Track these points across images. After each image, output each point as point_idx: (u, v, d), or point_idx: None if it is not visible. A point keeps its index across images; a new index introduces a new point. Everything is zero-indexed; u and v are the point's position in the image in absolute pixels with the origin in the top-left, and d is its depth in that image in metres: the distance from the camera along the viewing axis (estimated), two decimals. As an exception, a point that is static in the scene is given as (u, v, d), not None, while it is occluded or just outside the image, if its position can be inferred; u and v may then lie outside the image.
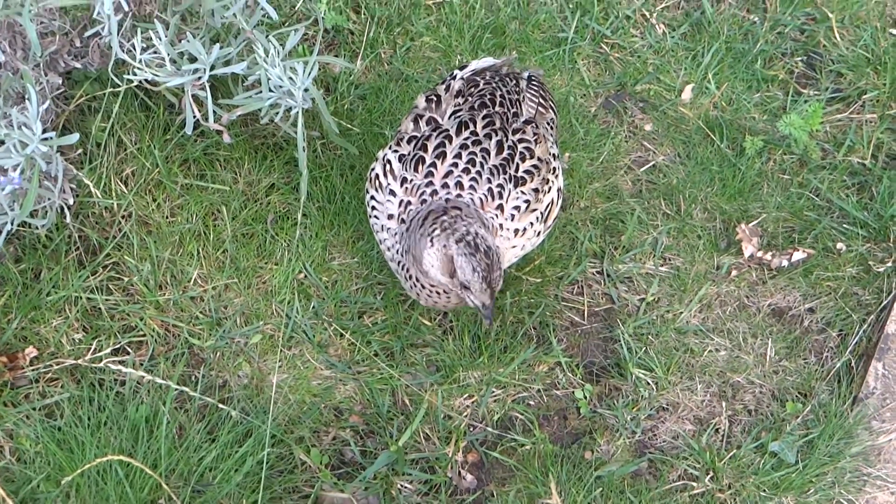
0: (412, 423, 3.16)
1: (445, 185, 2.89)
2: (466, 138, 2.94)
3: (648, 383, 3.29)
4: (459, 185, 2.89)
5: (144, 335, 3.24)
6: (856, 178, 3.72)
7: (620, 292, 3.45)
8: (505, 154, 2.95)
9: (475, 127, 2.97)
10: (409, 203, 2.91)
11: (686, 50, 3.97)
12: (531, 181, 2.97)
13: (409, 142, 2.99)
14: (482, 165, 2.92)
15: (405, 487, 3.11)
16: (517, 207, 2.94)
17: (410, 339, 3.31)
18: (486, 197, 2.90)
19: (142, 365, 3.16)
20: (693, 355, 3.36)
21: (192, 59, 3.14)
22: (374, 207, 3.01)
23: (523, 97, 3.18)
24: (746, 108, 3.85)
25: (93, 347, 3.18)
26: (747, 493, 3.10)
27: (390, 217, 2.95)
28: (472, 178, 2.90)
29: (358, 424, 3.19)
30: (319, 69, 3.75)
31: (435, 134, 2.96)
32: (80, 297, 3.25)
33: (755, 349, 3.39)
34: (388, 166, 2.97)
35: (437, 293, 2.92)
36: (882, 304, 3.45)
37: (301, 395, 3.20)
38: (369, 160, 3.56)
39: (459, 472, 3.15)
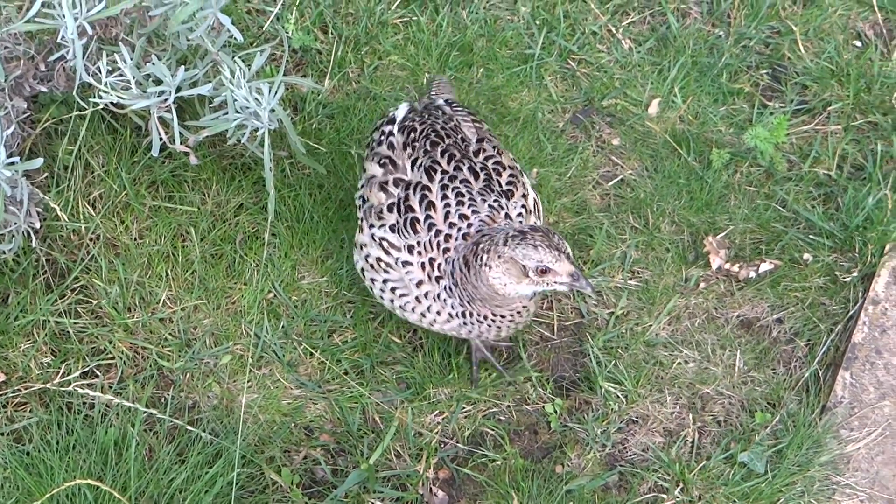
0: (383, 441, 3.16)
1: (452, 225, 2.90)
2: (441, 179, 2.96)
3: (618, 396, 3.30)
4: (463, 217, 2.91)
5: (113, 358, 3.24)
6: (821, 189, 3.75)
7: (590, 306, 3.47)
8: (482, 176, 2.99)
9: (442, 166, 3.00)
10: (433, 260, 2.91)
11: (652, 64, 4.00)
12: (517, 190, 3.02)
13: (389, 211, 2.98)
14: (470, 193, 2.95)
15: (376, 505, 3.12)
16: (520, 214, 2.99)
17: (380, 356, 3.32)
18: (491, 214, 2.93)
19: (111, 388, 3.16)
20: (662, 368, 3.37)
21: (158, 82, 3.14)
22: (393, 289, 2.99)
23: (457, 122, 3.20)
24: (713, 122, 3.88)
25: (61, 371, 3.18)
26: (717, 503, 3.11)
27: (420, 283, 2.93)
28: (471, 207, 2.92)
29: (329, 443, 3.20)
30: (287, 89, 3.77)
31: (411, 191, 2.97)
32: (49, 321, 3.25)
33: (724, 360, 3.40)
34: (384, 243, 2.96)
35: (518, 312, 2.91)
36: (849, 314, 3.47)
37: (271, 415, 3.21)
38: (338, 179, 3.58)
39: (431, 488, 3.15)
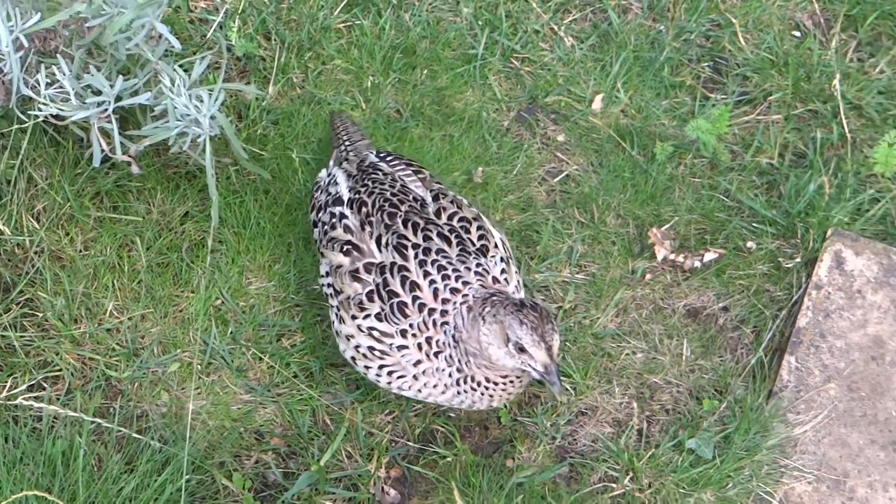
0: (333, 442, 3.18)
1: (445, 300, 2.84)
2: (416, 255, 2.89)
3: (567, 389, 3.33)
4: (454, 290, 2.84)
5: (61, 370, 3.24)
6: (764, 178, 3.79)
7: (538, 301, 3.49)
8: (454, 240, 2.95)
9: (411, 239, 2.93)
10: (430, 338, 2.85)
11: (595, 61, 4.03)
12: (490, 244, 3.00)
13: (370, 300, 2.90)
14: (452, 264, 2.89)
15: (329, 506, 3.13)
16: (503, 270, 2.97)
17: (330, 358, 3.33)
18: (482, 282, 2.88)
19: (58, 399, 3.16)
20: (610, 359, 3.40)
21: (98, 93, 3.16)
22: (390, 373, 2.92)
23: (402, 181, 3.17)
24: (656, 115, 3.92)
25: (8, 385, 3.18)
26: (667, 490, 3.14)
27: (418, 363, 2.88)
28: (458, 278, 2.86)
29: (279, 446, 3.21)
30: (231, 97, 3.78)
31: (388, 274, 2.89)
32: (-6, 335, 3.25)
33: (671, 350, 3.44)
34: (374, 333, 2.90)
35: (511, 381, 2.85)
36: (793, 300, 3.51)
37: (221, 421, 3.21)
38: (283, 184, 3.59)
39: (382, 487, 3.17)
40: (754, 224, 3.66)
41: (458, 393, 2.88)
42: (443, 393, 2.91)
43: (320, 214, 3.18)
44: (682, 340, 3.46)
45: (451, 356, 2.83)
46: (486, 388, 2.85)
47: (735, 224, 3.65)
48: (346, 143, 3.41)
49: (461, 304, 2.81)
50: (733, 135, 3.90)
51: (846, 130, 3.84)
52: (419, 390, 2.92)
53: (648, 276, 3.58)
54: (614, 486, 3.17)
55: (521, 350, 2.69)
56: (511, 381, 2.86)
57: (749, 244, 3.62)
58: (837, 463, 3.22)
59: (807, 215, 3.62)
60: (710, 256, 3.59)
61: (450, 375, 2.85)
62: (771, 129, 3.89)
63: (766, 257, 3.60)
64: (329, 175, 3.28)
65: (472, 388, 2.85)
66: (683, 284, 3.56)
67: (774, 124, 3.91)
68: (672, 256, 3.59)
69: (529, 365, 2.71)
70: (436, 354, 2.85)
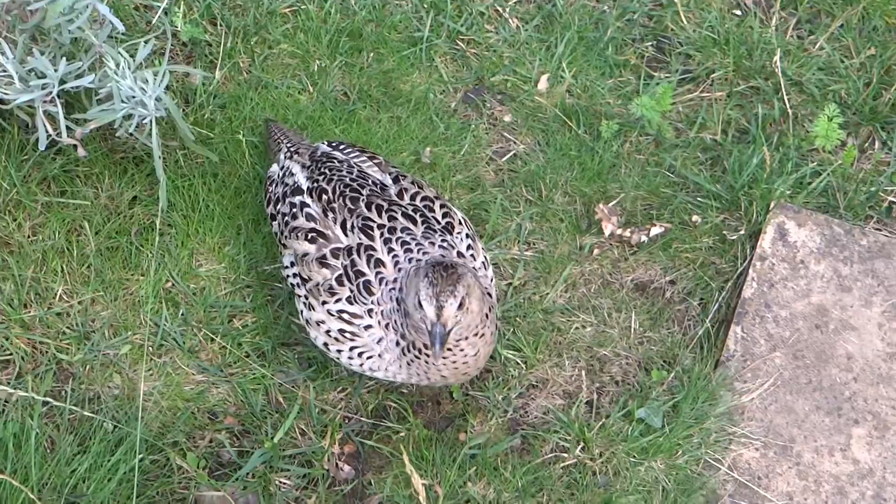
0: (287, 420, 3.19)
1: (401, 270, 2.85)
2: (382, 234, 2.90)
3: (518, 363, 3.36)
4: (416, 262, 2.85)
5: (11, 354, 3.23)
6: (708, 154, 3.84)
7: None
8: (418, 219, 2.96)
9: (377, 220, 2.94)
10: (384, 310, 2.85)
11: (540, 41, 4.07)
12: (454, 220, 3.02)
13: (340, 283, 2.89)
14: (413, 240, 2.89)
15: (283, 483, 3.14)
16: (469, 246, 2.98)
17: (281, 338, 3.34)
18: (444, 255, 2.89)
19: (9, 383, 3.15)
20: (560, 333, 3.44)
21: (42, 76, 3.15)
22: (360, 354, 2.92)
23: (358, 166, 3.18)
24: (601, 94, 3.96)
25: (-43, 370, 3.17)
26: (618, 459, 3.19)
27: (381, 340, 2.89)
28: (421, 252, 2.86)
29: (233, 426, 3.22)
30: (177, 82, 3.78)
31: (355, 255, 2.89)
32: (-57, 321, 3.23)
33: (620, 323, 3.48)
34: (345, 315, 2.90)
35: (448, 349, 2.79)
36: (738, 271, 3.57)
37: (173, 401, 3.22)
38: (231, 167, 3.60)
39: (337, 463, 3.18)
40: (699, 198, 3.72)
41: (409, 364, 2.88)
42: (400, 367, 2.92)
43: (279, 206, 3.17)
44: (630, 314, 3.51)
45: (396, 321, 2.84)
46: (428, 358, 2.84)
47: (680, 199, 3.70)
48: (287, 142, 3.40)
49: (412, 267, 2.83)
50: (677, 112, 3.95)
51: (787, 106, 3.90)
52: (386, 369, 2.94)
53: (596, 252, 3.62)
54: (566, 455, 3.21)
55: (420, 305, 2.68)
56: (449, 349, 2.81)
57: (694, 218, 3.68)
58: (784, 429, 3.28)
59: (750, 189, 3.68)
60: (656, 231, 3.64)
61: (397, 344, 2.87)
62: (714, 105, 3.95)
63: (711, 230, 3.65)
64: (282, 168, 3.29)
65: (416, 357, 2.85)
66: (631, 259, 3.61)
67: (717, 101, 3.97)
68: (619, 232, 3.64)
69: (423, 321, 2.69)
70: (387, 325, 2.86)
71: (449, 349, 2.81)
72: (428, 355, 2.83)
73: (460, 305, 2.67)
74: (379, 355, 2.91)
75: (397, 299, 2.83)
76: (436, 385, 2.99)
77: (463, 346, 2.82)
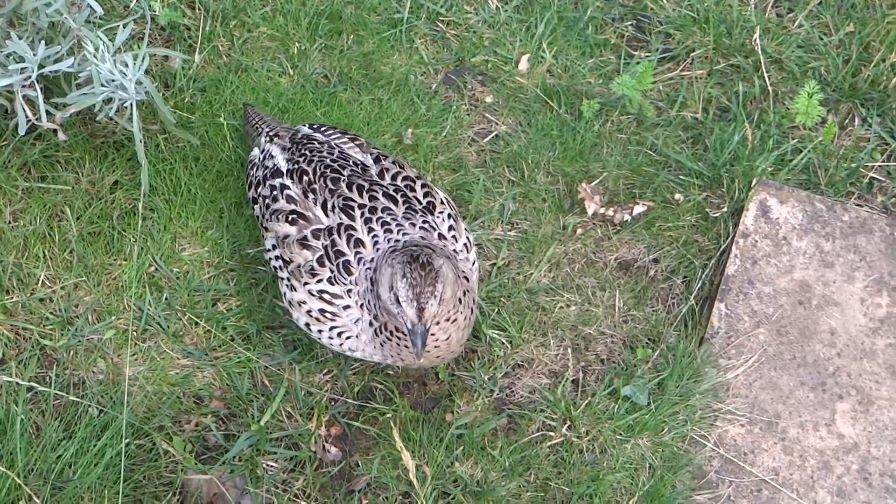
0: (273, 403, 3.19)
1: (379, 250, 2.83)
2: (362, 214, 2.88)
3: (503, 343, 3.37)
4: (395, 242, 2.83)
5: (-7, 340, 3.22)
6: (689, 132, 3.85)
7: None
8: (400, 199, 2.94)
9: (357, 200, 2.92)
10: (360, 290, 2.84)
11: (519, 22, 4.06)
12: (436, 200, 3.00)
13: (321, 264, 2.88)
14: (394, 220, 2.88)
15: (270, 466, 3.13)
16: (451, 227, 2.96)
17: (266, 321, 3.34)
18: (424, 237, 2.87)
19: (-8, 370, 3.14)
20: (545, 313, 3.44)
21: (20, 60, 3.12)
22: (340, 334, 2.91)
23: (339, 147, 3.17)
24: (582, 74, 3.96)
25: (-60, 356, 3.15)
26: (604, 437, 3.19)
27: (358, 321, 2.87)
28: (401, 233, 2.85)
29: (219, 409, 3.21)
30: (157, 66, 3.76)
31: (336, 235, 2.87)
32: (-76, 309, 3.21)
33: (604, 302, 3.49)
34: (325, 295, 2.89)
35: (433, 335, 2.77)
36: (721, 248, 3.58)
37: (159, 386, 3.21)
38: (213, 151, 3.58)
39: (323, 445, 3.18)
40: (681, 177, 3.73)
41: (382, 344, 2.87)
42: (375, 348, 2.90)
43: (259, 190, 3.15)
44: (614, 292, 3.51)
45: (369, 301, 2.83)
46: (399, 340, 2.82)
47: (662, 177, 3.71)
48: (267, 127, 3.39)
49: (388, 248, 2.82)
50: (658, 91, 3.96)
51: (767, 84, 3.91)
52: (363, 349, 2.93)
53: (580, 231, 3.62)
54: (552, 434, 3.22)
55: (399, 303, 2.66)
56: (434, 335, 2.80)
57: (677, 196, 3.68)
58: (769, 405, 3.29)
59: (732, 166, 3.69)
60: (639, 209, 3.65)
61: (370, 324, 2.85)
62: (695, 84, 3.96)
63: (693, 208, 3.66)
64: (262, 151, 3.27)
65: (388, 338, 2.84)
66: (614, 238, 3.62)
67: (698, 80, 3.97)
68: (602, 211, 3.64)
69: (402, 317, 2.68)
70: (362, 306, 2.85)
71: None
72: (399, 338, 2.81)
73: (441, 301, 2.67)
74: (356, 335, 2.90)
75: (371, 279, 2.81)
76: (411, 367, 2.97)
77: (434, 331, 2.78)
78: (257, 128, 3.42)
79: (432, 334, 2.78)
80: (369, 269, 2.82)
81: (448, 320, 2.80)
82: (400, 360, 2.91)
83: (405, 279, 2.64)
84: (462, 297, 2.82)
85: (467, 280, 2.91)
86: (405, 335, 2.78)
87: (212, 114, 3.68)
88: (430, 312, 2.66)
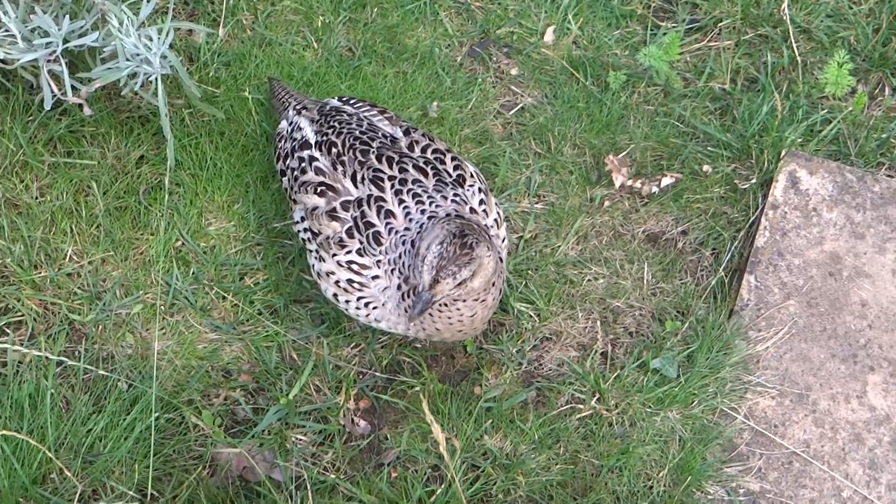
0: (301, 377, 3.18)
1: (411, 220, 2.81)
2: (392, 186, 2.86)
3: (531, 316, 3.35)
4: (428, 213, 2.81)
5: (23, 315, 3.22)
6: (717, 103, 3.82)
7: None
8: (430, 172, 2.91)
9: (387, 172, 2.90)
10: (392, 259, 2.82)
11: (545, -7, 4.04)
12: (466, 174, 2.97)
13: (350, 236, 2.86)
14: (425, 192, 2.85)
15: (299, 440, 3.13)
16: (482, 201, 2.94)
17: (293, 295, 3.33)
18: (457, 210, 2.84)
19: (22, 344, 3.13)
20: (573, 285, 3.43)
21: (45, 34, 3.12)
22: (367, 304, 2.90)
23: (368, 119, 3.15)
24: (608, 45, 3.93)
25: (-31, 331, 3.16)
26: (633, 410, 3.18)
27: (386, 289, 2.86)
28: (434, 205, 2.82)
29: (247, 383, 3.21)
30: (181, 41, 3.75)
31: (366, 206, 2.85)
32: (-47, 284, 3.22)
33: (632, 274, 3.47)
34: (354, 266, 2.87)
35: (459, 311, 2.78)
36: (750, 220, 3.55)
37: (187, 360, 3.21)
38: (238, 125, 3.57)
39: (352, 419, 3.18)
40: (709, 148, 3.70)
41: (407, 310, 2.84)
42: (399, 316, 2.88)
43: (288, 162, 3.13)
44: (642, 265, 3.49)
45: (404, 264, 2.80)
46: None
47: (690, 149, 3.68)
48: (294, 100, 3.37)
49: (428, 218, 2.80)
50: (685, 62, 3.92)
51: (796, 53, 3.87)
52: (388, 319, 2.91)
53: (607, 204, 3.60)
54: (581, 407, 3.21)
55: (423, 262, 2.65)
56: (445, 305, 2.79)
57: (705, 168, 3.65)
58: (799, 377, 3.27)
59: (760, 137, 3.66)
60: (667, 181, 3.62)
61: (398, 288, 2.83)
62: (722, 55, 3.92)
63: (722, 180, 3.63)
64: (290, 124, 3.26)
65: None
66: (642, 210, 3.59)
67: (725, 50, 3.94)
68: (629, 183, 3.62)
69: (418, 276, 2.66)
70: (392, 271, 2.83)
71: (445, 305, 2.79)
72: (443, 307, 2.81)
73: (459, 284, 2.65)
74: (383, 304, 2.89)
75: (412, 242, 2.79)
76: (433, 338, 2.95)
77: (460, 307, 2.79)
78: (284, 101, 3.40)
79: (458, 309, 2.79)
80: (403, 237, 2.80)
81: (477, 300, 2.79)
82: (422, 329, 2.89)
83: (440, 247, 2.62)
84: (496, 280, 2.82)
85: (501, 260, 2.89)
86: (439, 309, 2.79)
87: (236, 88, 3.67)
88: (442, 288, 2.64)
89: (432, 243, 2.64)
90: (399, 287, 2.84)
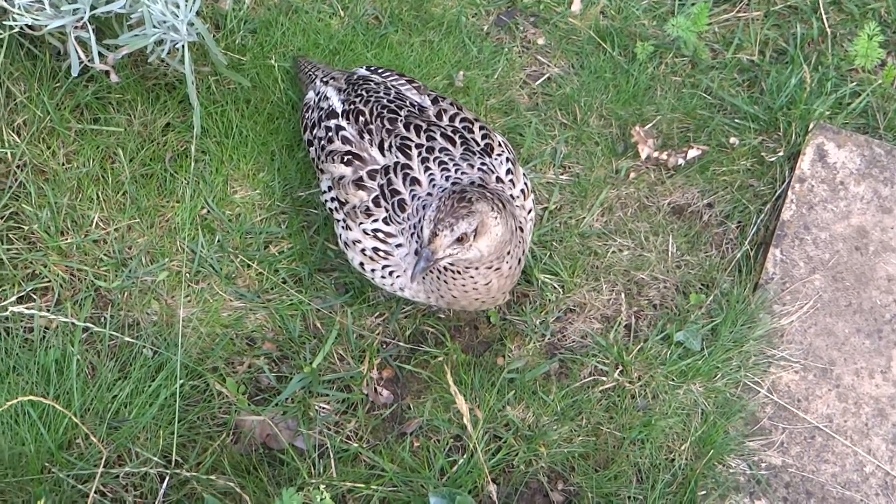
0: (325, 345, 3.19)
1: (435, 186, 2.79)
2: (419, 154, 2.85)
3: (555, 287, 3.35)
4: (455, 184, 2.79)
5: (49, 281, 3.24)
6: (745, 75, 3.79)
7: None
8: (458, 140, 2.90)
9: (414, 140, 2.89)
10: (413, 225, 2.81)
11: (573, -38, 4.00)
12: (494, 143, 2.96)
13: (376, 204, 2.85)
14: (452, 161, 2.84)
15: (323, 408, 3.15)
16: (509, 170, 2.92)
17: (318, 264, 3.34)
18: (483, 179, 2.83)
19: (48, 310, 3.16)
20: (597, 257, 3.42)
21: (73, 1, 3.12)
22: (391, 273, 2.89)
23: (397, 88, 3.14)
24: (635, 15, 3.90)
25: (-3, 297, 3.18)
26: (656, 383, 3.18)
27: (407, 255, 2.84)
28: (459, 172, 2.81)
29: (271, 351, 3.22)
30: (207, 7, 3.74)
31: (392, 174, 2.84)
32: (-20, 248, 3.24)
33: (657, 246, 3.46)
34: (379, 234, 2.86)
35: (472, 278, 2.76)
36: (777, 193, 3.53)
37: (212, 328, 3.22)
38: (264, 93, 3.57)
39: (375, 388, 3.19)
40: (736, 120, 3.67)
41: (424, 277, 2.82)
42: (418, 283, 2.86)
43: (315, 131, 3.13)
44: (667, 237, 3.48)
45: (418, 230, 2.78)
46: (439, 274, 2.78)
47: (717, 121, 3.66)
48: (321, 72, 3.37)
49: (452, 184, 2.79)
50: (713, 33, 3.89)
51: (826, 25, 3.84)
52: (410, 285, 2.91)
53: (633, 175, 3.58)
54: (604, 379, 3.21)
55: (421, 226, 2.62)
56: (459, 272, 2.77)
57: (732, 140, 3.63)
58: (824, 352, 3.26)
59: (788, 110, 3.63)
60: (693, 153, 3.60)
61: (416, 253, 2.80)
62: (751, 26, 3.89)
63: (749, 153, 3.61)
64: (318, 94, 3.25)
65: (430, 270, 2.78)
66: (668, 182, 3.57)
67: (754, 21, 3.90)
68: (656, 154, 3.60)
69: (419, 238, 2.62)
70: (411, 235, 2.82)
71: (458, 273, 2.77)
72: (441, 270, 2.79)
73: (459, 240, 2.61)
74: (405, 271, 2.88)
75: (424, 206, 2.78)
76: (453, 307, 2.93)
77: (472, 274, 2.77)
78: (310, 74, 3.40)
79: (471, 277, 2.76)
80: (425, 202, 2.79)
81: (490, 268, 2.77)
82: (440, 296, 2.88)
83: (433, 204, 2.60)
84: (512, 249, 2.79)
85: (521, 231, 2.88)
86: (447, 268, 2.76)
87: (263, 55, 3.66)
88: (441, 242, 2.59)
89: (434, 202, 2.63)
90: (416, 252, 2.83)
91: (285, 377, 3.18)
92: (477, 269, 2.75)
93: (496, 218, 2.64)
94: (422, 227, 2.62)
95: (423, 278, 2.85)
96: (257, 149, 3.49)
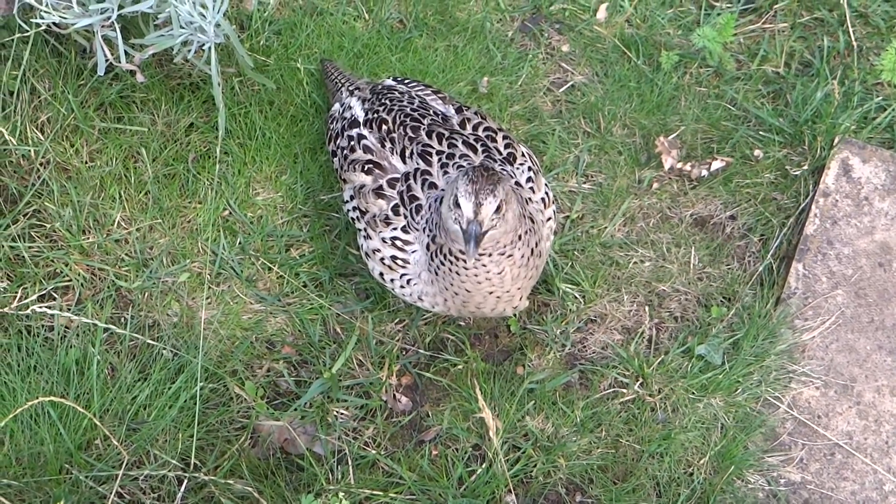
0: (345, 351, 3.19)
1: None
2: (440, 160, 2.85)
3: (576, 297, 3.34)
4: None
5: (70, 280, 3.23)
6: (770, 87, 3.77)
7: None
8: (479, 148, 2.90)
9: (436, 147, 2.88)
10: (431, 216, 2.81)
11: (599, -30, 3.99)
12: (517, 153, 2.94)
13: (395, 212, 2.84)
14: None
15: (341, 414, 3.14)
16: (529, 178, 2.91)
17: (339, 268, 3.33)
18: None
19: (69, 309, 3.15)
20: (619, 268, 3.41)
21: (101, 1, 3.12)
22: (409, 281, 2.88)
23: (421, 98, 3.13)
24: (661, 25, 3.88)
25: (18, 295, 3.17)
26: (676, 396, 3.17)
27: (421, 257, 2.85)
28: None
29: (291, 355, 3.21)
30: (232, 8, 3.73)
31: (412, 180, 2.84)
32: (3, 246, 3.23)
33: (679, 258, 3.44)
34: (397, 242, 2.85)
35: (484, 266, 2.72)
36: (800, 207, 3.51)
37: (232, 330, 3.22)
38: (288, 95, 3.57)
39: (394, 395, 3.18)
40: (761, 132, 3.65)
41: (437, 271, 2.78)
42: (432, 283, 2.83)
43: (338, 142, 3.12)
44: (689, 249, 3.47)
45: (431, 223, 2.76)
46: (453, 263, 2.73)
47: (742, 133, 3.64)
48: (347, 81, 3.37)
49: (458, 173, 2.74)
50: (739, 44, 3.87)
51: (852, 38, 3.81)
52: (424, 289, 2.88)
53: (655, 186, 3.57)
54: (624, 391, 3.20)
55: (457, 204, 2.55)
56: (479, 274, 2.73)
57: (756, 152, 3.62)
58: (845, 368, 3.24)
59: (814, 123, 3.62)
60: (717, 165, 3.59)
61: (427, 248, 2.78)
62: (777, 37, 3.87)
63: (773, 165, 3.59)
64: (342, 105, 3.25)
65: (442, 263, 2.75)
66: (690, 193, 3.56)
67: (780, 33, 3.88)
68: (679, 165, 3.58)
69: (458, 220, 2.58)
70: (423, 229, 2.79)
71: (478, 274, 2.73)
72: (452, 261, 2.73)
73: (498, 209, 2.57)
74: (418, 275, 2.86)
75: (437, 199, 2.76)
76: (469, 309, 2.89)
77: (485, 262, 2.71)
78: (337, 83, 3.39)
79: (483, 265, 2.71)
80: (437, 196, 2.78)
81: (503, 254, 2.71)
82: (454, 293, 2.82)
83: (465, 178, 2.56)
84: (523, 234, 2.74)
85: (532, 221, 2.84)
86: (458, 258, 2.71)
87: (287, 57, 3.66)
88: (487, 211, 2.54)
89: (457, 185, 2.58)
90: (428, 247, 2.80)
91: (304, 382, 3.17)
92: (490, 255, 2.69)
93: (510, 185, 2.64)
94: (458, 213, 2.57)
95: (437, 271, 2.79)
96: (280, 151, 3.48)
